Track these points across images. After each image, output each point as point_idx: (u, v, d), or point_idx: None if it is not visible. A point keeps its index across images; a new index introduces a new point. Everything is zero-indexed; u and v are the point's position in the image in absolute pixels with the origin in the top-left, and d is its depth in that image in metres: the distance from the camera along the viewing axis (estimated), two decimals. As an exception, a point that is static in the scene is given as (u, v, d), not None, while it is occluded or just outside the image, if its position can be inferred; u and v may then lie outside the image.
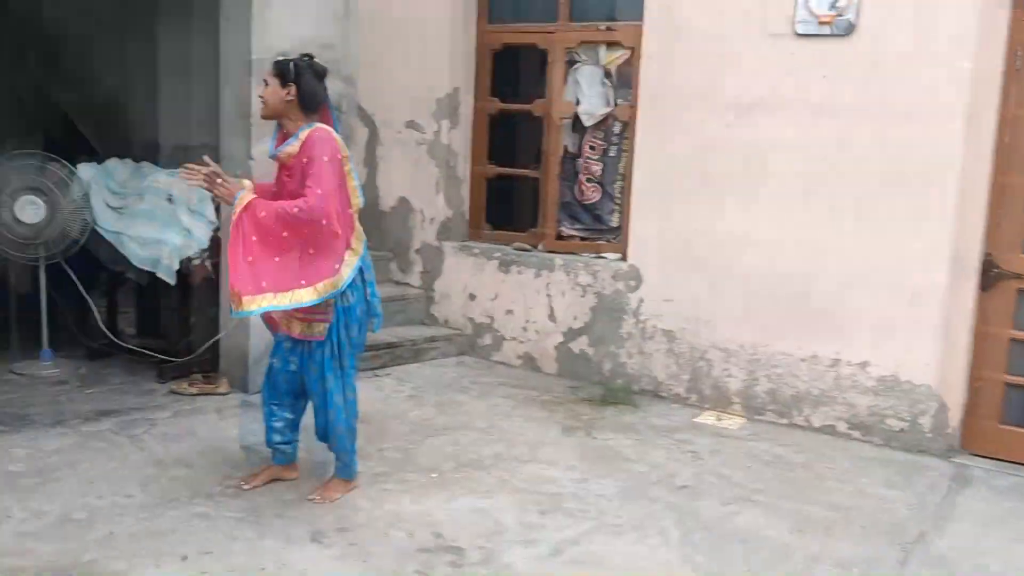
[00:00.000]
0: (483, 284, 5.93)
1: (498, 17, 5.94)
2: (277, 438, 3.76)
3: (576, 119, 5.63)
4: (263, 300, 3.32)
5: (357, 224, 3.56)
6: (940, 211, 4.44)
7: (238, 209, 3.35)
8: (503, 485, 3.92)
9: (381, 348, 5.59)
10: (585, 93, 5.56)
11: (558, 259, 5.65)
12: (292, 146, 3.45)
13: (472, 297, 5.99)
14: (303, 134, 3.44)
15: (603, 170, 5.61)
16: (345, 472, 3.75)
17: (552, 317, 5.65)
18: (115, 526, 3.32)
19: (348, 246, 3.46)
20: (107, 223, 4.99)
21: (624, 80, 5.49)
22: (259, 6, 4.54)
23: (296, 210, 3.30)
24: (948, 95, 4.37)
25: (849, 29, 4.57)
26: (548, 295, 5.65)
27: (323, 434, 3.72)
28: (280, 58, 3.50)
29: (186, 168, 3.50)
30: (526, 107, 5.85)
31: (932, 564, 3.42)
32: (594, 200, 5.67)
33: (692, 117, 5.05)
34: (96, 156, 5.62)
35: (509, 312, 5.83)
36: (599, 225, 5.69)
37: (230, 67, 4.71)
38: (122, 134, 5.95)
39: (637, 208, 5.33)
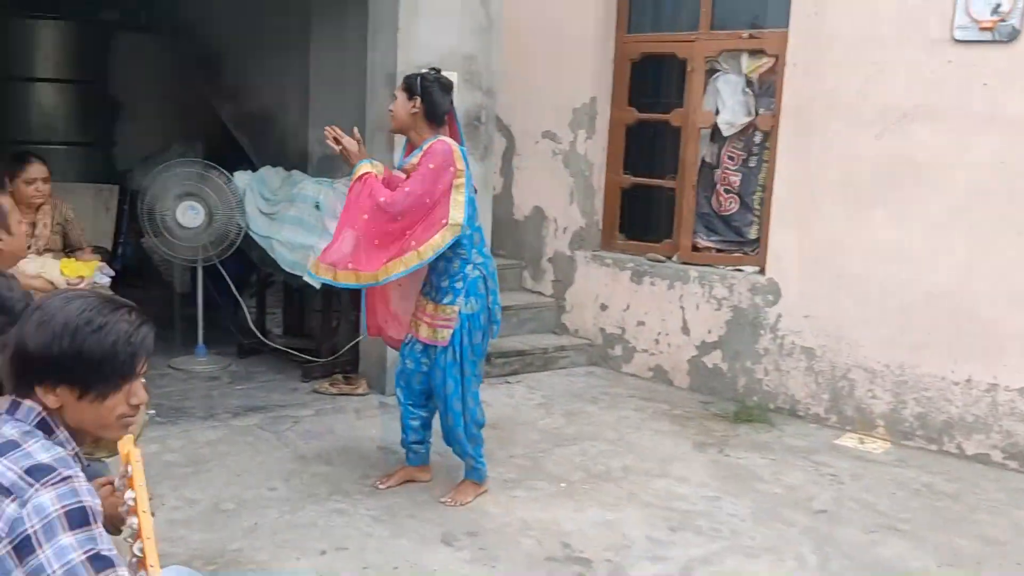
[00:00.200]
0: (615, 294, 5.90)
1: (637, 27, 5.91)
2: (412, 436, 3.86)
3: (715, 129, 5.53)
4: (323, 271, 3.56)
5: (478, 237, 3.67)
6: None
7: (354, 177, 3.60)
8: (632, 499, 3.89)
9: (512, 355, 5.65)
10: (725, 102, 5.44)
11: (693, 271, 5.55)
12: (416, 157, 3.58)
13: (604, 307, 5.97)
14: (427, 146, 3.55)
15: (742, 181, 5.48)
16: (474, 475, 3.82)
17: (685, 330, 5.56)
18: (260, 517, 3.49)
19: (410, 249, 3.51)
20: (259, 228, 5.26)
21: (766, 89, 5.35)
22: (405, 20, 4.68)
23: (382, 199, 3.48)
24: None
25: (1013, 35, 4.30)
26: (682, 307, 5.57)
27: (447, 438, 3.81)
28: (410, 74, 3.64)
29: (330, 128, 3.71)
30: (664, 117, 5.79)
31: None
32: (732, 211, 5.55)
33: (839, 127, 4.87)
34: (251, 164, 5.95)
35: (641, 323, 5.77)
36: (736, 237, 5.56)
37: (376, 80, 4.87)
38: (275, 144, 6.26)
39: (777, 220, 5.18)
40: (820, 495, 4.03)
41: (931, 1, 4.51)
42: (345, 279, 3.56)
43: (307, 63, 5.83)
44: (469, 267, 3.62)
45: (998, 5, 4.32)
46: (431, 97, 3.56)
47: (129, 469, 1.65)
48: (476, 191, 3.74)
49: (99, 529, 1.48)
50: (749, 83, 5.40)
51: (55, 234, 4.49)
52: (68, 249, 4.51)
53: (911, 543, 3.58)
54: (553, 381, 5.61)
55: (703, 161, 5.64)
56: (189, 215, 5.23)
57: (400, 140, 4.43)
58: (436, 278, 3.66)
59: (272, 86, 6.27)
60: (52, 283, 4.05)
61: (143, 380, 1.68)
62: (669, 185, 5.81)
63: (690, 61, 5.58)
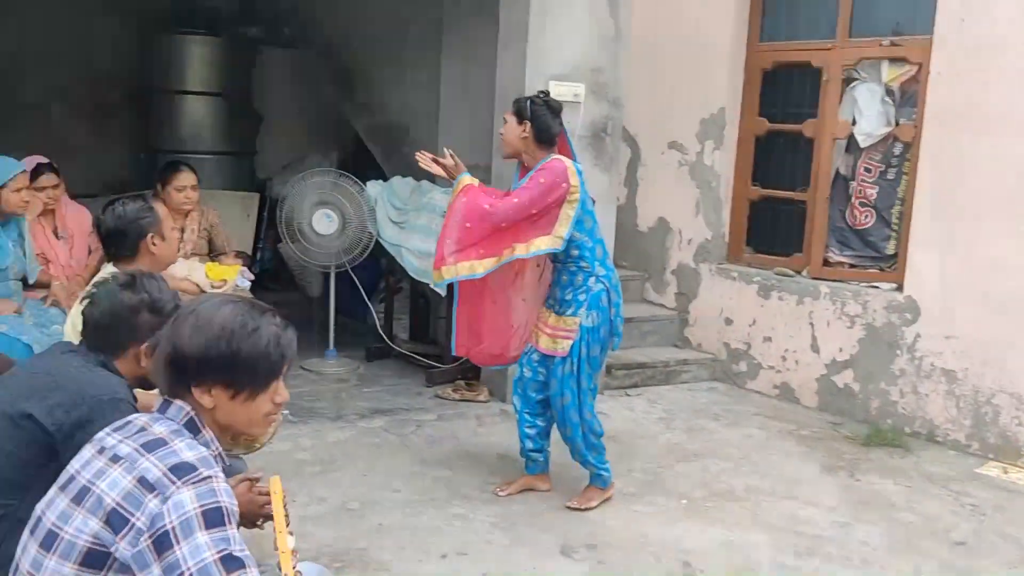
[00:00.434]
0: (741, 309, 5.76)
1: (770, 35, 5.77)
2: (529, 445, 3.88)
3: (851, 139, 5.33)
4: (446, 272, 3.67)
5: (600, 250, 3.70)
6: None
7: (456, 189, 3.67)
8: (756, 520, 3.79)
9: (633, 367, 5.61)
10: (863, 112, 5.24)
11: (824, 286, 5.36)
12: (529, 178, 3.62)
13: (728, 322, 5.84)
14: (541, 165, 3.61)
15: (879, 194, 5.26)
16: (598, 481, 3.84)
17: (815, 348, 5.38)
18: (384, 518, 3.58)
19: (508, 247, 3.60)
20: (389, 236, 5.42)
21: (907, 98, 5.12)
22: (534, 33, 4.73)
23: (487, 207, 3.55)
24: None
25: None
26: (811, 324, 5.39)
27: (571, 450, 3.84)
28: (520, 98, 3.72)
29: (421, 153, 3.89)
30: (796, 127, 5.62)
31: None
32: (867, 225, 5.33)
33: (988, 137, 4.61)
34: (382, 174, 6.14)
35: (767, 339, 5.62)
36: (871, 252, 5.34)
37: (505, 92, 4.93)
38: (405, 154, 6.43)
39: (917, 235, 4.95)
40: (959, 526, 3.81)
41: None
42: (448, 274, 3.66)
43: (438, 76, 5.97)
44: (592, 279, 3.63)
45: None
46: (541, 121, 3.62)
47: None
48: (595, 202, 3.76)
49: (233, 530, 1.54)
50: (889, 92, 5.18)
51: (201, 239, 4.76)
52: (213, 253, 4.78)
53: (1062, 584, 3.35)
54: (674, 395, 5.53)
55: (837, 173, 5.45)
56: (324, 222, 5.44)
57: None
58: (559, 290, 3.69)
59: (404, 99, 6.45)
60: (198, 285, 4.30)
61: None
62: (800, 197, 5.63)
63: (826, 70, 5.40)
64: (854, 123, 5.28)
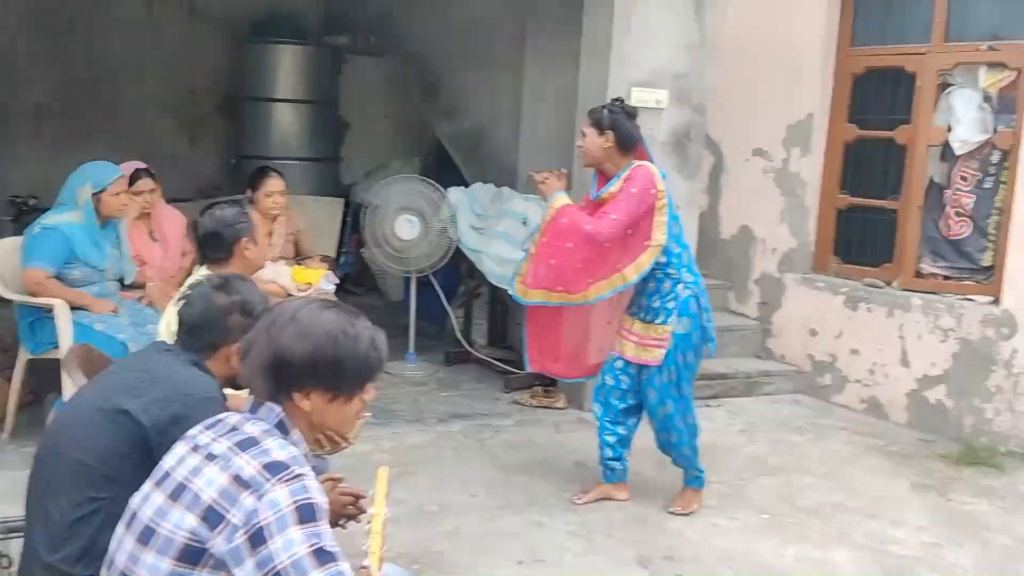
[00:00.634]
0: (827, 320, 5.61)
1: (863, 40, 5.61)
2: (609, 453, 3.85)
3: (946, 147, 5.15)
4: (535, 295, 3.69)
5: (687, 256, 3.67)
6: None
7: (552, 208, 3.62)
8: (841, 538, 3.68)
9: (714, 378, 5.51)
10: (959, 119, 5.05)
11: (915, 298, 5.18)
12: (615, 185, 3.61)
13: (813, 333, 5.70)
14: (625, 172, 3.58)
15: (975, 203, 5.06)
16: (696, 483, 3.84)
17: (905, 362, 5.20)
18: (461, 522, 3.60)
19: (616, 272, 3.58)
20: (469, 242, 5.46)
21: (1006, 105, 4.92)
22: (618, 38, 4.71)
23: (590, 228, 3.51)
24: None
25: None
26: (901, 337, 5.21)
27: (664, 448, 3.84)
28: (594, 107, 3.69)
29: (533, 172, 3.88)
30: (888, 134, 5.45)
31: None
32: (962, 235, 5.13)
33: (1094, 145, 4.39)
34: (462, 180, 6.19)
35: (855, 352, 5.46)
36: (967, 263, 5.14)
37: (587, 98, 4.91)
38: (486, 161, 6.48)
39: (1017, 245, 4.75)
40: (1060, 552, 3.64)
41: None
42: (559, 299, 3.67)
43: (520, 82, 5.99)
44: (680, 286, 3.60)
45: None
46: (622, 128, 3.60)
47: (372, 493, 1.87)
48: (679, 208, 3.72)
49: (325, 525, 1.59)
50: (986, 98, 4.99)
51: (288, 243, 4.88)
52: (299, 257, 4.89)
53: None
54: (756, 407, 5.42)
55: (931, 181, 5.27)
56: (407, 228, 5.52)
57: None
58: (646, 298, 3.65)
59: (485, 106, 6.50)
60: (284, 288, 4.40)
61: None
62: (891, 206, 5.46)
63: (920, 75, 5.23)
64: (949, 130, 5.10)
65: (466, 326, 6.00)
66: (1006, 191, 4.90)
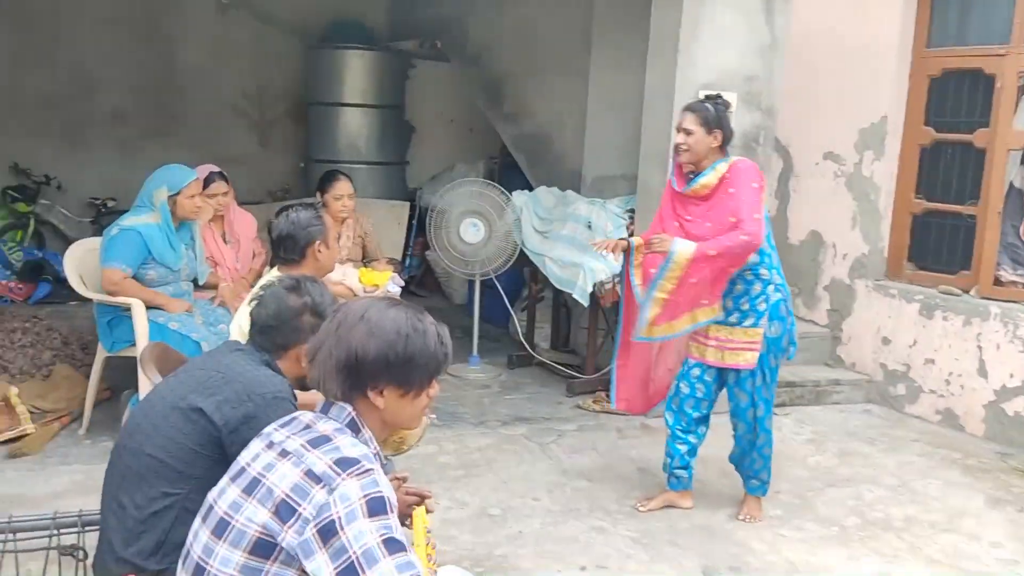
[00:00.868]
0: (900, 328, 5.46)
1: (939, 41, 5.45)
2: (677, 462, 3.80)
3: (1028, 150, 4.97)
4: (662, 329, 3.59)
5: (776, 257, 3.59)
6: None
7: (685, 256, 3.43)
8: (914, 552, 3.57)
9: (781, 386, 5.33)
10: (1042, 121, 4.88)
11: (994, 307, 5.01)
12: (708, 177, 3.50)
13: (886, 341, 5.55)
14: (721, 166, 3.49)
15: (1059, 209, 4.88)
16: (761, 491, 3.79)
17: (982, 372, 5.03)
18: (523, 526, 3.60)
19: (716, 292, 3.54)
20: (533, 245, 5.46)
21: (1094, 106, 4.73)
22: (686, 40, 4.66)
23: (745, 238, 3.36)
24: None
25: None
26: (979, 347, 5.04)
27: (739, 457, 3.78)
28: (699, 104, 3.58)
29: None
30: (966, 137, 5.29)
31: None
32: (1045, 243, 4.95)
33: None
34: (527, 184, 6.20)
35: (929, 361, 5.30)
36: (1050, 272, 4.96)
37: (654, 101, 4.88)
38: (550, 164, 6.47)
39: (1103, 254, 4.55)
40: None
41: None
42: (680, 326, 3.60)
43: (585, 86, 5.97)
44: (771, 288, 3.55)
45: None
46: (728, 126, 3.53)
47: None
48: None
49: (394, 518, 1.61)
50: (1072, 99, 4.81)
51: (356, 245, 4.95)
52: (366, 259, 4.95)
53: None
54: (825, 416, 5.30)
55: (1011, 186, 5.09)
56: (471, 231, 5.54)
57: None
58: (733, 300, 3.57)
59: (550, 109, 6.49)
60: (351, 290, 4.46)
61: None
62: (969, 212, 5.29)
63: (999, 77, 5.06)
64: (1032, 133, 4.93)
65: (529, 329, 6.01)
66: (1093, 196, 4.71)
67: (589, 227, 5.30)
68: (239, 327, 2.87)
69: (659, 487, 3.93)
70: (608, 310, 5.31)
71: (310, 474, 1.61)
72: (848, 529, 3.76)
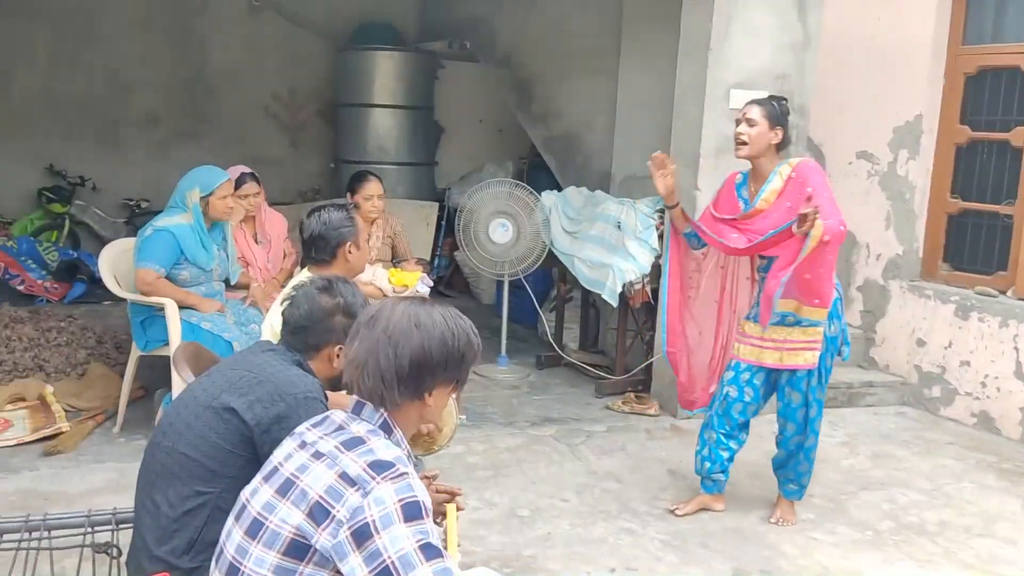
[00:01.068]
0: (935, 330, 5.38)
1: (974, 38, 5.37)
2: (716, 467, 3.74)
3: (1067, 149, 4.88)
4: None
5: None
6: None
7: (816, 236, 3.20)
8: (949, 557, 3.52)
9: (813, 388, 5.34)
10: (1082, 119, 4.78)
11: (1032, 308, 4.93)
12: (773, 184, 3.47)
13: (920, 343, 5.47)
14: (783, 169, 3.46)
15: (1100, 208, 4.78)
16: (796, 495, 3.75)
17: (1020, 374, 4.94)
18: (552, 527, 3.59)
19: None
20: (562, 245, 5.45)
21: None
22: (718, 39, 4.62)
23: (844, 228, 3.28)
24: None
25: None
26: (1016, 348, 4.95)
27: (784, 460, 3.74)
28: (765, 99, 3.53)
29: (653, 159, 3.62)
30: (1003, 136, 5.20)
31: None
32: (1085, 243, 4.85)
33: None
34: (555, 184, 6.18)
35: (965, 363, 5.21)
36: (1090, 272, 4.86)
37: (684, 100, 4.85)
38: (579, 164, 6.45)
39: None
40: None
41: None
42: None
43: (614, 86, 5.95)
44: None
45: None
46: (789, 128, 3.49)
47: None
48: None
49: (430, 523, 1.61)
50: (1114, 96, 4.71)
51: (385, 246, 4.96)
52: (395, 260, 4.97)
53: None
54: (858, 418, 5.24)
55: (1050, 185, 5.00)
56: (500, 231, 5.54)
57: (716, 158, 4.41)
58: None
59: (580, 109, 6.47)
60: (381, 290, 4.47)
61: None
62: (1006, 211, 5.20)
63: (1038, 73, 4.97)
64: (1071, 131, 4.83)
65: (557, 329, 5.99)
66: None
67: (619, 227, 5.27)
68: (270, 327, 2.89)
69: (689, 489, 3.90)
70: (637, 311, 5.29)
71: (344, 476, 1.61)
72: (882, 533, 3.71)
